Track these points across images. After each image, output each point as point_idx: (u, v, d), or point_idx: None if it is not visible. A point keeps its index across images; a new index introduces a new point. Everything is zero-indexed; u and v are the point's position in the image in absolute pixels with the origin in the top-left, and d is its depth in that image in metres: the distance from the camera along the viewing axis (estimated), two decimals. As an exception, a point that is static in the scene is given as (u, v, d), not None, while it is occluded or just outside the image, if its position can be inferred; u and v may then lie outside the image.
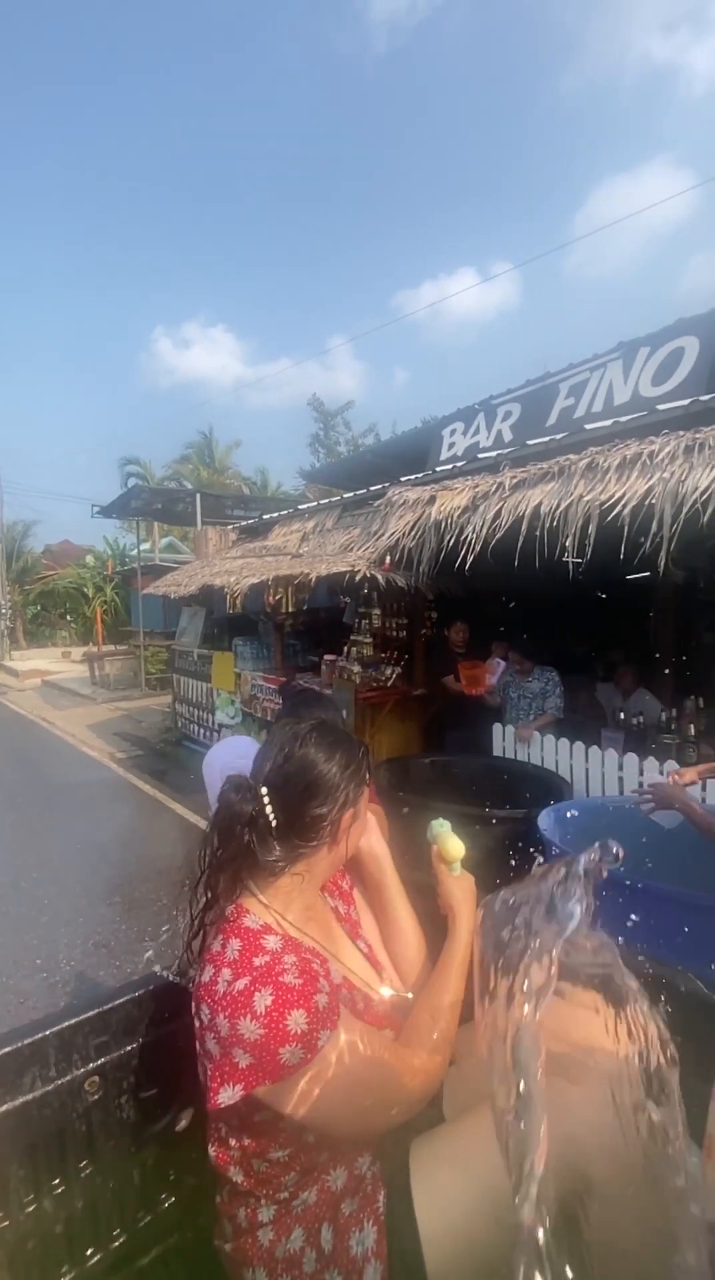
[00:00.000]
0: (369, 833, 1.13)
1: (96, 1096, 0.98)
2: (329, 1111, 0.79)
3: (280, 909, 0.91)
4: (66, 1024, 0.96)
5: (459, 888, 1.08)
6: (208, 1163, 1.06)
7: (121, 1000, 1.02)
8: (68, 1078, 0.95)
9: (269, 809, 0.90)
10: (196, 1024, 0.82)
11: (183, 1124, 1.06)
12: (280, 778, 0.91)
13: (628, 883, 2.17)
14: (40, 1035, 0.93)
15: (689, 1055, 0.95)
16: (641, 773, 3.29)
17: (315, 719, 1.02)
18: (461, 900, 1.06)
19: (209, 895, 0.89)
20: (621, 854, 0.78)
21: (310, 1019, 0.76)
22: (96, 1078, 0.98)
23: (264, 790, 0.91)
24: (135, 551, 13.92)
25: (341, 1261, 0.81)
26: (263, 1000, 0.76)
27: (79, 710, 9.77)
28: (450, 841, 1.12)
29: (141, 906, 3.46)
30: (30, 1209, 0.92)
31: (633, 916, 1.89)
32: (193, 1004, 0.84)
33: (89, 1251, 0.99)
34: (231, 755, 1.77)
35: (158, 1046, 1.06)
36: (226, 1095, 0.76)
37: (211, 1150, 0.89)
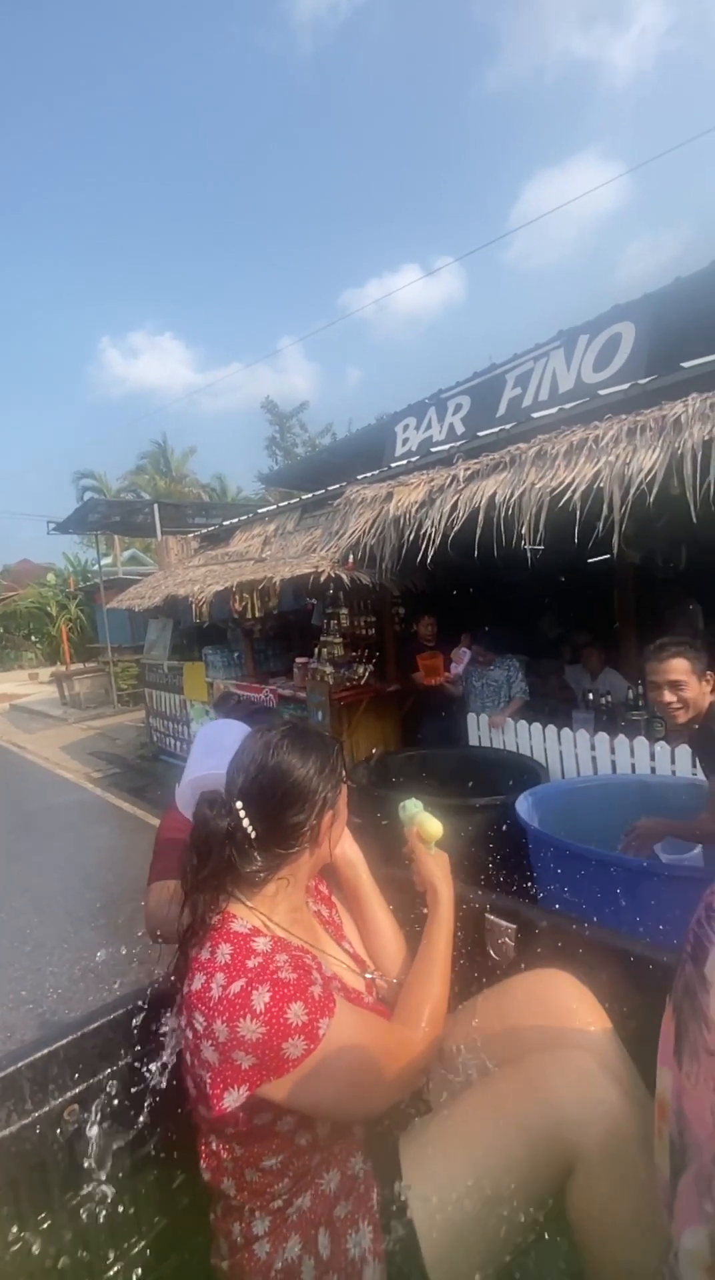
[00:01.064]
0: (343, 839, 1.14)
1: (77, 1125, 0.97)
2: (335, 1096, 0.81)
3: (266, 912, 0.92)
4: (39, 1054, 0.94)
5: (438, 865, 1.13)
6: (199, 1180, 1.05)
7: (97, 1024, 1.01)
8: (45, 1108, 0.93)
9: (246, 821, 0.89)
10: (188, 1035, 0.81)
11: (172, 1138, 1.05)
12: (255, 788, 0.91)
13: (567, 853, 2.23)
14: (13, 1068, 0.91)
15: (645, 1017, 0.99)
16: (613, 751, 3.37)
17: (287, 723, 1.02)
18: (441, 878, 1.11)
19: (192, 917, 0.88)
20: None
21: (309, 1009, 0.78)
22: (75, 1106, 0.97)
23: (239, 805, 0.90)
24: (97, 566, 13.64)
25: (339, 1265, 0.80)
26: (261, 998, 0.77)
27: (50, 732, 9.56)
28: (429, 822, 1.17)
29: (128, 928, 3.40)
30: (17, 1247, 0.91)
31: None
32: (183, 1015, 0.83)
33: (85, 1283, 0.97)
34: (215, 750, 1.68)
35: (137, 1068, 1.05)
36: (231, 1098, 0.77)
37: (203, 1164, 0.89)
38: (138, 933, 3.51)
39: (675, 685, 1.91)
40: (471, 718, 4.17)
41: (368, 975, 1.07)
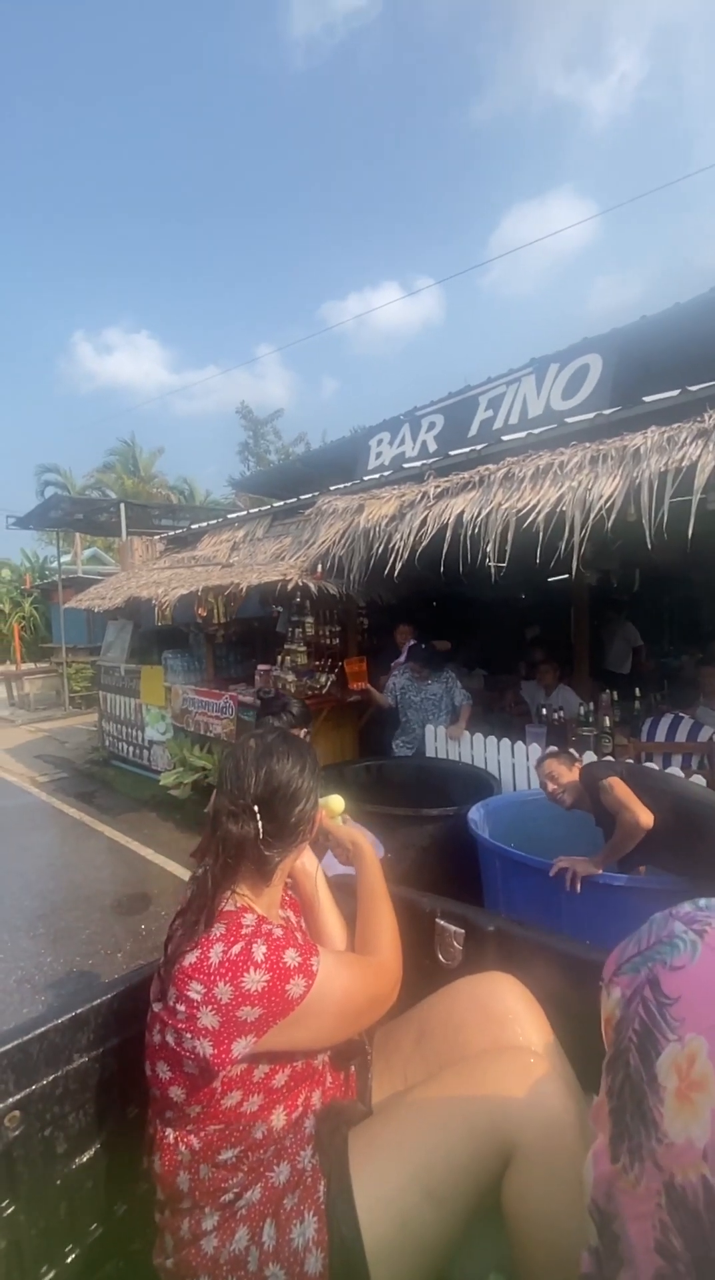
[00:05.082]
0: (306, 852, 1.19)
1: (17, 1132, 0.94)
2: (333, 1023, 0.90)
3: (251, 899, 0.99)
4: None
5: (351, 829, 1.29)
6: (140, 1186, 1.03)
7: (42, 1029, 0.98)
8: None
9: (261, 823, 0.97)
10: (180, 1009, 0.84)
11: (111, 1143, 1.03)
12: (267, 792, 0.99)
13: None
14: None
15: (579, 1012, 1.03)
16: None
17: (275, 730, 1.12)
18: (357, 837, 1.24)
19: (209, 907, 0.93)
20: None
21: (301, 952, 0.89)
22: (17, 1112, 0.94)
23: (256, 808, 0.98)
24: (56, 564, 13.24)
25: (283, 1255, 0.82)
26: (260, 949, 0.86)
27: (-4, 733, 9.17)
28: (332, 799, 1.33)
29: (68, 936, 3.29)
30: None
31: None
32: (170, 993, 0.86)
33: (13, 1296, 0.94)
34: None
35: (83, 1073, 1.03)
36: (240, 1046, 0.83)
37: (159, 1161, 0.89)
38: (78, 938, 3.40)
39: (553, 778, 2.52)
40: (429, 729, 4.23)
41: None
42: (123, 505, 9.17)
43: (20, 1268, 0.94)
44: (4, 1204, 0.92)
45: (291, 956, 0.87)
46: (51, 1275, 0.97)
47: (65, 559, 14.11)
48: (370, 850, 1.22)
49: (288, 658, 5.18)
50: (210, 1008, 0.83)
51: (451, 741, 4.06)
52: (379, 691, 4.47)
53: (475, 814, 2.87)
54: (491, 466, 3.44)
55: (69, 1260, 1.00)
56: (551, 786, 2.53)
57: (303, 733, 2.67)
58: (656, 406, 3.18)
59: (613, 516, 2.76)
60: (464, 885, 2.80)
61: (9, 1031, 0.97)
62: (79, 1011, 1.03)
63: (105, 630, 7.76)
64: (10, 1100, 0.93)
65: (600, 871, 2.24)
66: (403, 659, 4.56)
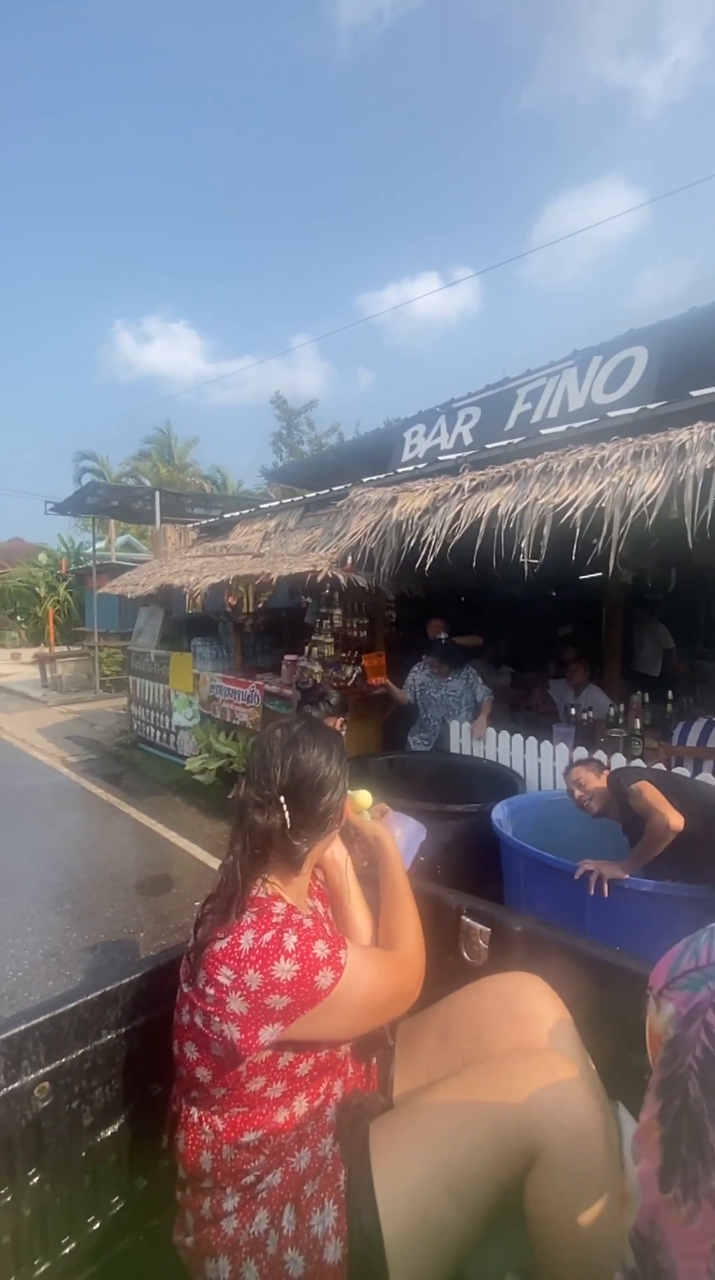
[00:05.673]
0: (335, 842, 1.18)
1: (46, 1103, 0.96)
2: (358, 1015, 0.91)
3: (280, 887, 1.00)
4: (15, 1031, 0.93)
5: (376, 824, 1.27)
6: (161, 1162, 1.04)
7: (73, 1004, 1.00)
8: (16, 1084, 0.93)
9: (288, 814, 0.97)
10: (209, 992, 0.85)
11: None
12: (293, 783, 0.99)
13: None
14: None
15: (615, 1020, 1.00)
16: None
17: (301, 719, 1.09)
18: (381, 832, 1.23)
19: (240, 895, 0.93)
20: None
21: (330, 944, 0.89)
22: (47, 1084, 0.96)
23: (282, 799, 0.97)
24: (91, 550, 13.51)
25: (302, 1241, 0.82)
26: (291, 939, 0.87)
27: (29, 713, 9.42)
28: (358, 794, 1.31)
29: (93, 914, 3.37)
30: None
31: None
32: (200, 975, 0.87)
33: (36, 1261, 0.96)
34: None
35: (111, 1049, 1.04)
36: (267, 1034, 0.84)
37: (181, 1138, 0.90)
38: (102, 916, 3.49)
39: (580, 785, 2.52)
40: (453, 726, 4.19)
41: None
42: (157, 493, 9.29)
43: (43, 1236, 0.96)
44: (31, 1172, 0.94)
45: (321, 948, 0.88)
46: (73, 1245, 0.99)
47: (100, 545, 14.39)
48: (393, 847, 1.21)
49: (315, 649, 5.20)
50: (239, 993, 0.83)
51: (476, 739, 4.02)
52: (399, 687, 4.45)
53: (499, 812, 2.83)
54: (529, 460, 3.37)
55: (90, 1231, 1.02)
56: (578, 793, 2.52)
57: (339, 722, 2.68)
58: (704, 401, 3.07)
59: (654, 514, 2.68)
60: (485, 882, 2.77)
61: (41, 1005, 1.00)
62: (109, 989, 1.05)
63: (136, 616, 7.89)
64: (41, 1071, 0.95)
65: (626, 876, 2.19)
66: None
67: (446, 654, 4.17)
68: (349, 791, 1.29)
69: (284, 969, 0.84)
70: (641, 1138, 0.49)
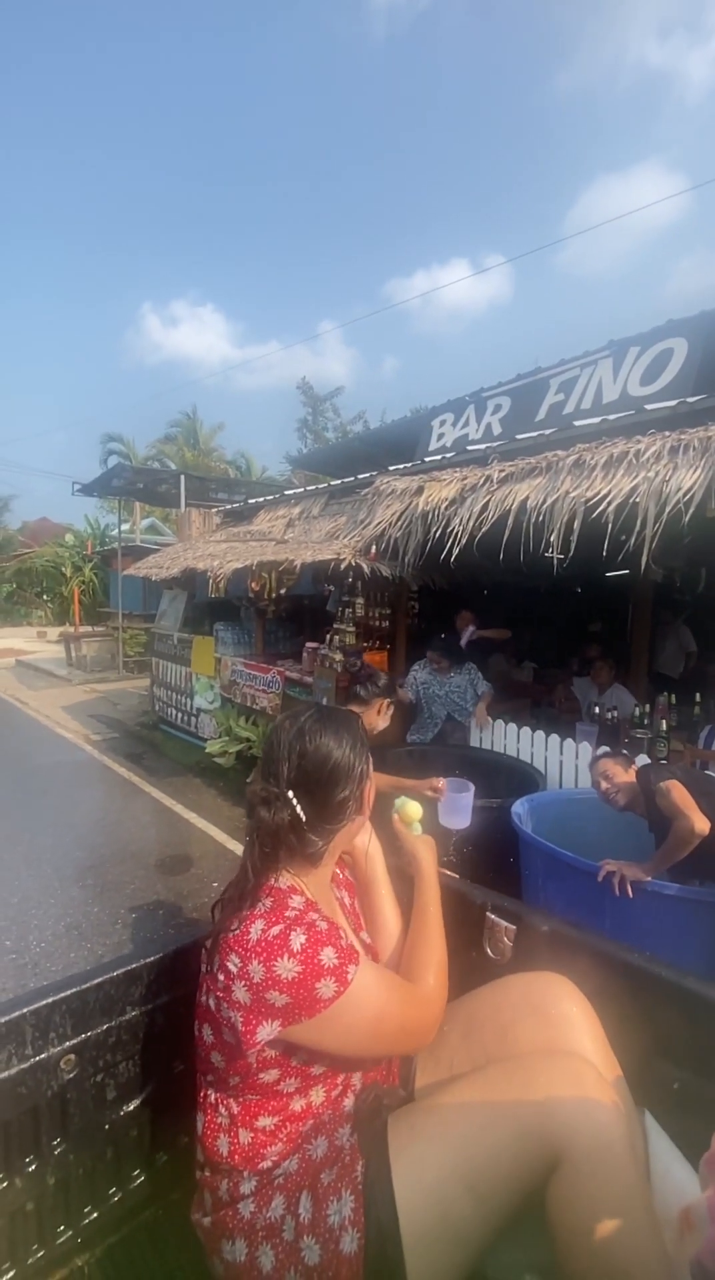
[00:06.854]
0: (363, 832, 1.16)
1: (72, 1075, 0.98)
2: (359, 1038, 0.88)
3: (300, 879, 0.97)
4: (44, 1002, 0.95)
5: (422, 844, 1.23)
6: (181, 1138, 1.06)
7: (99, 979, 1.02)
8: (43, 1055, 0.94)
9: (299, 809, 0.94)
10: (220, 978, 0.85)
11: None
12: (302, 776, 0.96)
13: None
14: (17, 1014, 0.92)
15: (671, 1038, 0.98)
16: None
17: (312, 707, 1.06)
18: (425, 854, 1.20)
19: (255, 883, 0.92)
20: None
21: (339, 955, 0.85)
22: (73, 1056, 0.98)
23: (291, 794, 0.95)
24: (116, 531, 13.65)
25: (319, 1230, 0.82)
26: (298, 939, 0.84)
27: (54, 691, 9.61)
28: (408, 805, 1.29)
29: (114, 889, 3.44)
30: (2, 1186, 0.92)
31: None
32: (214, 961, 0.87)
33: (59, 1229, 0.99)
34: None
35: (134, 1025, 1.06)
36: (264, 1031, 0.82)
37: (200, 1121, 0.91)
38: (123, 891, 3.55)
39: (607, 777, 2.48)
40: (472, 723, 4.16)
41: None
42: (183, 477, 9.34)
43: (66, 1205, 0.99)
44: (56, 1142, 0.97)
45: (328, 956, 0.85)
46: (95, 1215, 1.02)
47: (125, 527, 14.54)
48: (430, 869, 1.18)
49: (336, 637, 5.18)
50: (243, 983, 0.83)
51: (480, 730, 4.02)
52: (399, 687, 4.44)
53: (519, 808, 2.81)
54: (561, 452, 3.30)
55: (112, 1202, 1.04)
56: (605, 785, 2.47)
57: (386, 703, 2.70)
58: (747, 395, 2.98)
59: (691, 510, 2.61)
60: (502, 878, 2.76)
61: (69, 979, 1.01)
62: (133, 966, 1.06)
63: (160, 598, 7.97)
64: (67, 1044, 0.97)
65: (649, 879, 2.16)
66: (462, 644, 4.49)
67: (446, 650, 4.17)
68: (398, 804, 1.29)
69: (286, 967, 0.82)
70: (711, 1163, 0.47)
